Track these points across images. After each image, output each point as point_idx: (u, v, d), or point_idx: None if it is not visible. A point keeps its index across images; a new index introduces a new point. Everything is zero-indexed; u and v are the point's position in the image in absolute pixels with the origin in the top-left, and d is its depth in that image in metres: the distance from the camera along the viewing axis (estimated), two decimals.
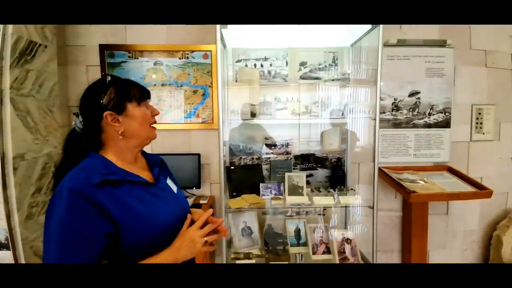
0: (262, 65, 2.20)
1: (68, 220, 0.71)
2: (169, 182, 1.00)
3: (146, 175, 0.92)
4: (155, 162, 1.00)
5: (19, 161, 1.56)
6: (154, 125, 0.93)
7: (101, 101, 0.83)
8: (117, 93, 0.85)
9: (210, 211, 0.90)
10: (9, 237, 1.55)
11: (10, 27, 1.54)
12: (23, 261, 1.58)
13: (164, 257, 0.80)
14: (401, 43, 2.18)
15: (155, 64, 2.18)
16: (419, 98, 2.24)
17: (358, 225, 2.11)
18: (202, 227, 0.86)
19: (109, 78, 0.87)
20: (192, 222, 0.88)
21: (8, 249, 1.56)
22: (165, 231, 0.84)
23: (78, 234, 0.71)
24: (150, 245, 0.81)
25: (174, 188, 1.00)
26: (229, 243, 2.03)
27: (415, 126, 2.27)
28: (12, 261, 1.57)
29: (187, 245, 0.82)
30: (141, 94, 0.89)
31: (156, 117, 0.94)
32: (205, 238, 0.84)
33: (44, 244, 0.73)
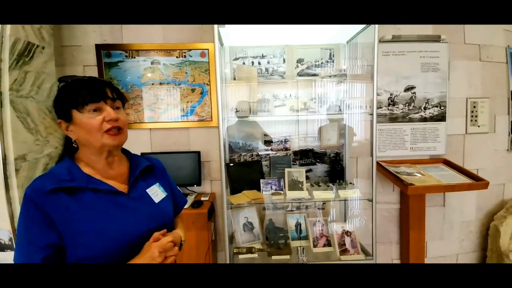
0: (259, 63, 2.22)
1: (21, 225, 0.74)
2: (151, 190, 0.92)
3: (120, 181, 0.87)
4: (137, 168, 0.91)
5: (21, 162, 1.57)
6: (115, 131, 0.82)
7: (56, 109, 0.81)
8: (61, 100, 0.80)
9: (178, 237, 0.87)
10: (12, 238, 1.57)
11: (7, 29, 1.53)
12: None
13: None
14: (396, 39, 2.20)
15: (152, 63, 2.19)
16: (414, 92, 2.28)
17: (357, 218, 2.15)
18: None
19: (60, 84, 0.82)
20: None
21: (12, 250, 1.58)
22: (125, 245, 0.78)
23: (25, 239, 0.73)
24: (106, 259, 0.76)
25: (159, 196, 0.92)
26: (231, 238, 2.06)
27: (411, 120, 2.30)
28: None
29: (146, 260, 0.77)
30: (84, 98, 0.78)
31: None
32: (164, 258, 0.79)
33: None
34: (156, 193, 0.92)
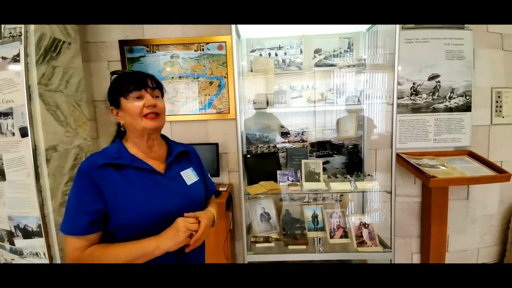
0: (276, 54, 2.21)
1: (73, 194, 0.85)
2: (185, 173, 1.01)
3: (157, 163, 0.97)
4: (173, 152, 1.02)
5: (52, 152, 1.67)
6: (152, 115, 0.92)
7: (108, 98, 0.95)
8: (112, 89, 0.94)
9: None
10: (41, 224, 1.65)
11: (32, 24, 1.60)
12: (56, 247, 1.69)
13: (146, 242, 0.83)
14: (419, 26, 2.13)
15: (171, 57, 2.24)
16: (439, 81, 2.19)
17: (376, 211, 2.12)
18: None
19: (113, 75, 0.95)
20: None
21: (40, 236, 1.67)
22: (158, 219, 0.87)
23: (75, 207, 0.84)
24: (138, 230, 0.85)
25: (191, 179, 1.01)
26: (249, 228, 2.10)
27: (435, 110, 2.22)
28: (45, 248, 1.67)
29: (171, 234, 0.85)
30: (128, 87, 0.90)
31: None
32: (189, 231, 0.87)
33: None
34: (189, 176, 1.02)
